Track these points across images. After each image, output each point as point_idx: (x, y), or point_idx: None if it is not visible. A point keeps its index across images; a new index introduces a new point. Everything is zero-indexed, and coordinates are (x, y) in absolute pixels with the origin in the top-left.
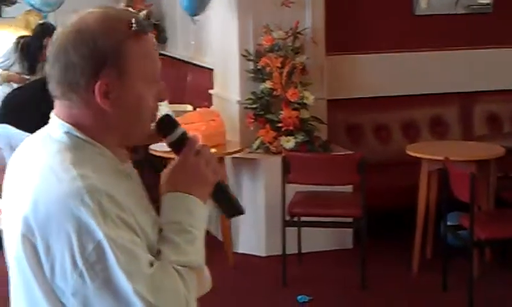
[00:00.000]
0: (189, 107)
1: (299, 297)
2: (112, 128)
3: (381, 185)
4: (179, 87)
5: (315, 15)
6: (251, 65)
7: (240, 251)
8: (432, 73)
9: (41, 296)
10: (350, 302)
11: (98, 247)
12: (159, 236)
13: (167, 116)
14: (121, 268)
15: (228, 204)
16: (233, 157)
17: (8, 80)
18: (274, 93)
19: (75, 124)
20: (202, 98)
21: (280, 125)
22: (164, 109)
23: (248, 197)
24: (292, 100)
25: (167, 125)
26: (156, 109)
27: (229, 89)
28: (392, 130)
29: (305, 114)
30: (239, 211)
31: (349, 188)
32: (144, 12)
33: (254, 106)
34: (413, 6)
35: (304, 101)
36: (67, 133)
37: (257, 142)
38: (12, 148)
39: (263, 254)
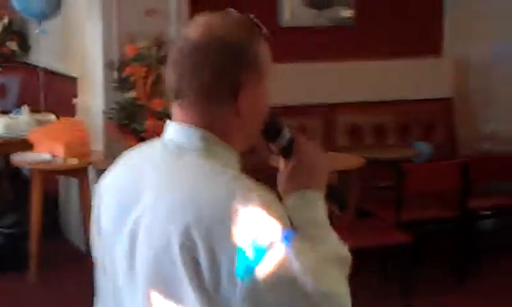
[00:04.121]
0: (52, 117)
1: None
2: (242, 130)
3: None
4: (42, 97)
5: (180, 25)
6: (115, 74)
7: None
8: (296, 84)
9: None
10: None
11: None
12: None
13: (272, 115)
14: (293, 254)
15: (338, 196)
16: (98, 169)
17: None
18: (138, 102)
19: (209, 128)
20: (66, 108)
21: (144, 134)
22: (25, 117)
23: None
24: (157, 110)
25: (275, 128)
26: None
27: (93, 98)
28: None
29: None
30: (345, 202)
31: None
32: (5, 19)
33: (117, 116)
34: (278, 17)
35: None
36: (204, 138)
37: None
38: None
39: None
